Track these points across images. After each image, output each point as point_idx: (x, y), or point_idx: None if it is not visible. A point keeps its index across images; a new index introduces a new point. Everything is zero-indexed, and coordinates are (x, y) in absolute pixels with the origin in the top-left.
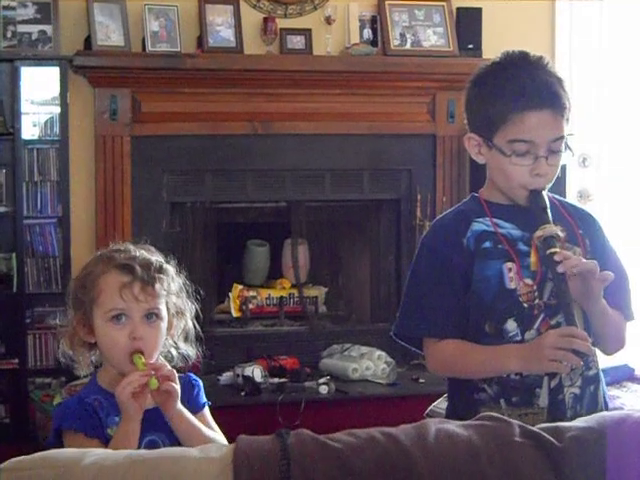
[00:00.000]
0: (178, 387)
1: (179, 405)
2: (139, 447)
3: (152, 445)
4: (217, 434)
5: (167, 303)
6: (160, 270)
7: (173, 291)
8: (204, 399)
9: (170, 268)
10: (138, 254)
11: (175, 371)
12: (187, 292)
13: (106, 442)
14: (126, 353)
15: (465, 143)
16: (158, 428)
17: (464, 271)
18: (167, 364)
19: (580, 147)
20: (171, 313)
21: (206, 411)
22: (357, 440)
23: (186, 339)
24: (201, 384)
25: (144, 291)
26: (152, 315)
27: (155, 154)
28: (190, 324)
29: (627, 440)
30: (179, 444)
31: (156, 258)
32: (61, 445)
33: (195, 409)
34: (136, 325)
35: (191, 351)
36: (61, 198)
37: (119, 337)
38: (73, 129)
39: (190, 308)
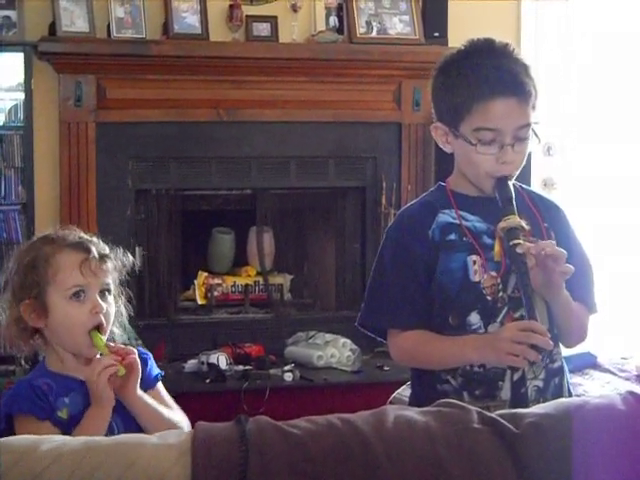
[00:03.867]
0: (139, 370)
1: (139, 389)
2: None
3: (107, 429)
4: (176, 410)
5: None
6: (105, 249)
7: (117, 270)
8: (156, 370)
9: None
10: (83, 234)
11: (136, 352)
12: (120, 280)
13: (57, 424)
14: (86, 330)
15: (432, 132)
16: (113, 411)
17: (428, 263)
18: (124, 347)
19: (545, 136)
20: (113, 294)
21: (160, 385)
22: (315, 426)
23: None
24: (151, 355)
25: (100, 267)
26: (105, 291)
27: (120, 141)
28: (123, 310)
29: (587, 426)
30: (135, 427)
31: (96, 239)
32: (11, 431)
33: (149, 384)
34: (96, 300)
35: (121, 336)
36: (25, 185)
37: (80, 314)
38: (37, 115)
39: (123, 294)
